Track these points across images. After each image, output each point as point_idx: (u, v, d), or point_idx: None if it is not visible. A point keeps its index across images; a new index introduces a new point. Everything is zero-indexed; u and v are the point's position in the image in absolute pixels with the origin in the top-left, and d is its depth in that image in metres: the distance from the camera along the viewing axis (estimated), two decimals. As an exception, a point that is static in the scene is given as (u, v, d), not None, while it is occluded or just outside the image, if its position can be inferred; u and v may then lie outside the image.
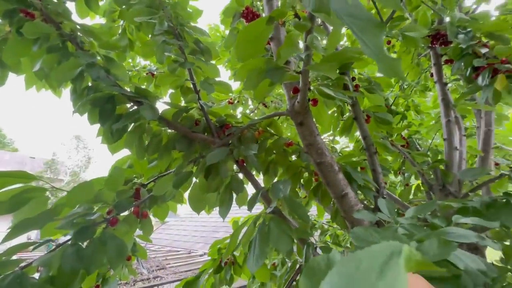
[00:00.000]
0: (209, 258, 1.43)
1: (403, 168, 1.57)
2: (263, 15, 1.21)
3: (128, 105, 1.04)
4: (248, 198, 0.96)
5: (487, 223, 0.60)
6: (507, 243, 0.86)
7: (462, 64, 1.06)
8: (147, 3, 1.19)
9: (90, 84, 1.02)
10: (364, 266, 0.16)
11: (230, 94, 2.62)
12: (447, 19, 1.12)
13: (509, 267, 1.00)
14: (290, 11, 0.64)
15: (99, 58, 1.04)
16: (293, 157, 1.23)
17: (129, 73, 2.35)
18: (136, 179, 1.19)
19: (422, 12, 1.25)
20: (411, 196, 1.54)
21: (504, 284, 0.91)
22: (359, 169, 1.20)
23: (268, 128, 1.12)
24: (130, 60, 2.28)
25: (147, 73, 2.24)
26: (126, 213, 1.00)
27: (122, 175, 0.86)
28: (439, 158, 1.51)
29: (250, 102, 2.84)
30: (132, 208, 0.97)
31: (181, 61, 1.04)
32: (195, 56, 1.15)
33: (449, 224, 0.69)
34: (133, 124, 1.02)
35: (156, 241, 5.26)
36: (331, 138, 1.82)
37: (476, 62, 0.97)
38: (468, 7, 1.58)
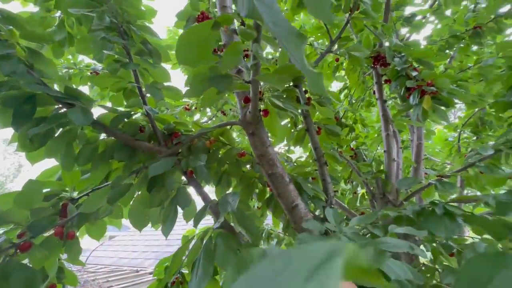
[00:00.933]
0: (156, 278, 1.29)
1: (351, 177, 1.67)
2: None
3: (57, 107, 0.90)
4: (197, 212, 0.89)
5: (416, 232, 0.64)
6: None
7: (398, 84, 1.18)
8: (88, -6, 1.06)
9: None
10: (292, 267, 0.13)
11: (188, 100, 2.52)
12: (386, 43, 1.24)
13: (436, 266, 1.12)
14: (237, 18, 0.63)
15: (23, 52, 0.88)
16: (248, 167, 1.21)
17: (70, 71, 2.09)
18: (65, 193, 1.02)
19: (366, 35, 1.37)
20: (358, 204, 1.64)
21: (432, 284, 0.99)
22: (310, 179, 1.23)
23: (220, 138, 1.08)
24: (70, 57, 2.03)
25: (91, 72, 2.01)
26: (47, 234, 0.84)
27: (39, 190, 0.72)
28: (381, 168, 1.64)
29: (208, 109, 2.77)
30: (55, 228, 0.82)
31: (124, 62, 0.94)
32: (142, 57, 1.06)
33: (386, 233, 0.73)
34: (61, 129, 0.88)
35: (98, 260, 4.66)
36: (286, 148, 1.85)
37: (408, 83, 1.09)
38: (403, 35, 1.80)
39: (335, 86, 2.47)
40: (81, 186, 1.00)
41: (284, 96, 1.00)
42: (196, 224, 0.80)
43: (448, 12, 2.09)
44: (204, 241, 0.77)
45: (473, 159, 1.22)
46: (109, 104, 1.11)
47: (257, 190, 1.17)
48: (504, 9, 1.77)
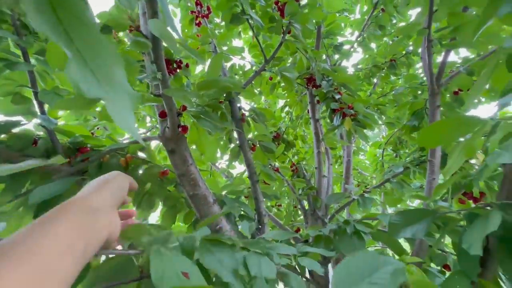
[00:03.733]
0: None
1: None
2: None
3: None
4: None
5: (324, 252, 0.64)
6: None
7: (325, 105, 1.26)
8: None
9: None
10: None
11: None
12: (315, 67, 1.32)
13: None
14: (130, 23, 0.56)
15: None
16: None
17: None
18: None
19: (300, 57, 1.44)
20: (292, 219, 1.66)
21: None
22: (243, 198, 1.19)
23: (140, 154, 0.96)
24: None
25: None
26: None
27: None
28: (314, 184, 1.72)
29: (148, 119, 2.56)
30: None
31: (13, 61, 0.77)
32: (45, 58, 0.89)
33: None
34: None
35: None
36: (226, 163, 1.80)
37: (332, 105, 1.16)
38: (335, 60, 1.98)
39: (281, 103, 2.57)
40: None
41: (210, 111, 0.96)
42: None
43: (373, 45, 2.41)
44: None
45: (388, 175, 1.36)
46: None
47: (183, 212, 1.07)
48: (412, 47, 2.12)
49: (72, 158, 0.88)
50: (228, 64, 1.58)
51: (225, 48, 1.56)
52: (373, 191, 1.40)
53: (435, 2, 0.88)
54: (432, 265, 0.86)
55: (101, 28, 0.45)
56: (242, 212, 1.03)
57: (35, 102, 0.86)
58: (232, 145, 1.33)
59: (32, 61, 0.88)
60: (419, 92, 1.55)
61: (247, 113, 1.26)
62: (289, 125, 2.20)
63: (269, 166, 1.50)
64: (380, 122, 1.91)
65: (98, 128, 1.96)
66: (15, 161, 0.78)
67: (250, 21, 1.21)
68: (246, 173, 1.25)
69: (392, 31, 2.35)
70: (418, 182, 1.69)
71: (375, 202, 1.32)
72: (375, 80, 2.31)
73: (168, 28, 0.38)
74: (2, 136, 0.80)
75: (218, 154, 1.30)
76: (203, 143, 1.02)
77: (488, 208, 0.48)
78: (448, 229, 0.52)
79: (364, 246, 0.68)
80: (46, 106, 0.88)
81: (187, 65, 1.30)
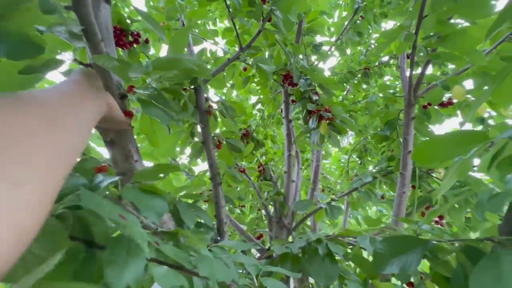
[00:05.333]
0: None
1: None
2: None
3: None
4: None
5: (290, 273, 0.54)
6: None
7: (301, 105, 1.16)
8: None
9: None
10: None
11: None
12: (293, 63, 1.22)
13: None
14: None
15: None
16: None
17: None
18: None
19: (277, 50, 1.33)
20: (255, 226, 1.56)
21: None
22: (201, 202, 1.04)
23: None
24: None
25: None
26: None
27: None
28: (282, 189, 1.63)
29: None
30: None
31: None
32: None
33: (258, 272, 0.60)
34: None
35: None
36: (188, 159, 1.62)
37: (309, 106, 1.07)
38: (312, 61, 1.92)
39: (253, 99, 2.45)
40: None
41: (170, 97, 0.79)
42: None
43: (348, 51, 2.42)
44: None
45: (356, 184, 1.32)
46: None
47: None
48: (385, 58, 2.16)
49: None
50: (198, 48, 1.40)
51: (196, 31, 1.37)
52: (340, 198, 1.36)
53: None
54: (394, 280, 0.81)
55: None
56: (198, 220, 0.88)
57: None
58: (196, 139, 1.16)
59: None
60: (391, 103, 1.55)
61: (215, 105, 1.10)
62: (260, 124, 2.08)
63: (235, 166, 1.36)
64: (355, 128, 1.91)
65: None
66: None
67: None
68: (208, 173, 1.09)
69: (367, 40, 2.39)
70: (380, 192, 1.71)
71: (342, 210, 1.27)
72: (348, 87, 2.31)
73: None
74: None
75: (177, 149, 1.12)
76: (157, 135, 0.84)
77: (488, 242, 0.41)
78: (440, 262, 0.45)
79: (338, 272, 0.59)
80: None
81: (146, 41, 1.09)
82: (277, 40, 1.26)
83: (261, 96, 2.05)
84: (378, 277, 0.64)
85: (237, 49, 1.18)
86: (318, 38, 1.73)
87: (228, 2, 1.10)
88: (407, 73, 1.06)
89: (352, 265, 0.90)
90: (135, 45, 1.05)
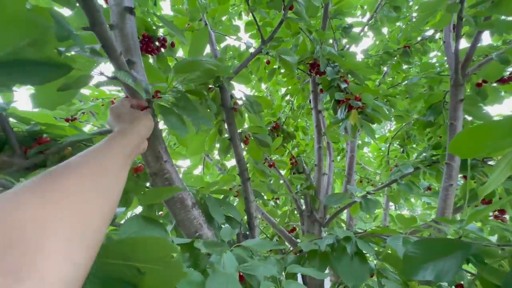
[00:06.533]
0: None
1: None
2: None
3: None
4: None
5: (317, 274, 0.52)
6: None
7: (329, 95, 1.10)
8: None
9: None
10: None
11: (112, 91, 2.13)
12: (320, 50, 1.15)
13: None
14: None
15: None
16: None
17: None
18: None
19: (303, 39, 1.27)
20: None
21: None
22: (232, 198, 1.07)
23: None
24: None
25: None
26: None
27: None
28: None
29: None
30: None
31: None
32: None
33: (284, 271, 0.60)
34: None
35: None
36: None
37: (337, 96, 1.01)
38: (342, 44, 1.79)
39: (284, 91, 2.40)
40: None
41: (197, 99, 0.82)
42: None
43: (385, 30, 2.20)
44: None
45: (395, 176, 1.22)
46: None
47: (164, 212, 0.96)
48: (429, 33, 1.91)
49: (28, 149, 0.75)
50: (222, 45, 1.41)
51: (220, 28, 1.39)
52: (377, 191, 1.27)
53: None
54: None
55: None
56: (228, 215, 0.91)
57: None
58: (224, 136, 1.19)
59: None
60: (436, 84, 1.38)
61: (240, 102, 1.11)
62: (290, 115, 2.04)
63: (265, 160, 1.37)
64: (389, 115, 1.75)
65: (83, 113, 1.82)
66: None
67: (245, -7, 1.04)
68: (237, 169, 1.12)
69: (407, 14, 2.13)
70: (426, 183, 1.55)
71: (380, 204, 1.19)
72: (385, 69, 2.12)
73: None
74: None
75: (206, 147, 1.16)
76: (187, 135, 0.89)
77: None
78: (487, 269, 0.39)
79: (368, 273, 0.55)
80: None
81: (172, 44, 1.14)
82: (301, 28, 1.20)
83: (289, 87, 2.00)
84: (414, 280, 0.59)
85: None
86: (348, 20, 1.60)
87: (247, -4, 1.08)
88: (453, 49, 0.92)
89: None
90: (162, 50, 1.10)
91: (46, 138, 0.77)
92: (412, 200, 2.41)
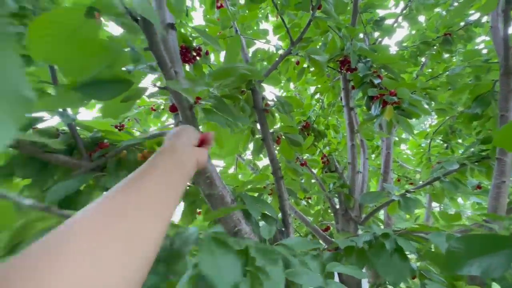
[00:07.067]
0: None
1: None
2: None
3: None
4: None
5: (356, 272, 0.53)
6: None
7: (361, 91, 1.08)
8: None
9: None
10: None
11: (151, 99, 2.32)
12: (350, 46, 1.14)
13: None
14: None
15: None
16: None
17: None
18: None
19: (332, 37, 1.26)
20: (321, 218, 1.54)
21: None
22: (266, 196, 1.11)
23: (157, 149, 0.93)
24: None
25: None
26: None
27: None
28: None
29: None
30: None
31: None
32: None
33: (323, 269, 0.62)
34: None
35: None
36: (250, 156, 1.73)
37: (370, 92, 0.99)
38: (374, 38, 1.73)
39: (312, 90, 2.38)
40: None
41: (231, 103, 0.87)
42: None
43: (421, 18, 2.06)
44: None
45: (437, 173, 1.15)
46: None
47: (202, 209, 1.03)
48: (473, 17, 1.75)
49: (92, 153, 0.87)
50: (252, 49, 1.47)
51: (249, 32, 1.44)
52: (417, 189, 1.21)
53: None
54: (495, 285, 0.69)
55: (87, 10, 0.38)
56: (264, 212, 0.95)
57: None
58: (257, 136, 1.24)
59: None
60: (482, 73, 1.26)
61: (271, 103, 1.15)
62: (320, 114, 2.02)
63: (296, 159, 1.38)
64: (428, 109, 1.64)
65: (128, 120, 2.02)
66: (39, 156, 0.80)
67: (273, -2, 1.07)
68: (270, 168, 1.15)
69: (447, -1, 1.97)
70: (475, 180, 1.43)
71: (421, 203, 1.13)
72: (423, 60, 1.99)
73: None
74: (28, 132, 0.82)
75: (240, 147, 1.22)
76: (222, 136, 0.95)
77: None
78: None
79: (409, 271, 0.55)
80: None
81: (206, 53, 1.22)
82: (329, 26, 1.20)
83: (319, 86, 1.98)
84: (463, 279, 0.57)
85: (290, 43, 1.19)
86: (380, 13, 1.54)
87: (275, 1, 1.12)
88: (502, 34, 0.84)
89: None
90: (198, 58, 1.19)
91: (106, 143, 0.89)
92: (461, 201, 2.21)
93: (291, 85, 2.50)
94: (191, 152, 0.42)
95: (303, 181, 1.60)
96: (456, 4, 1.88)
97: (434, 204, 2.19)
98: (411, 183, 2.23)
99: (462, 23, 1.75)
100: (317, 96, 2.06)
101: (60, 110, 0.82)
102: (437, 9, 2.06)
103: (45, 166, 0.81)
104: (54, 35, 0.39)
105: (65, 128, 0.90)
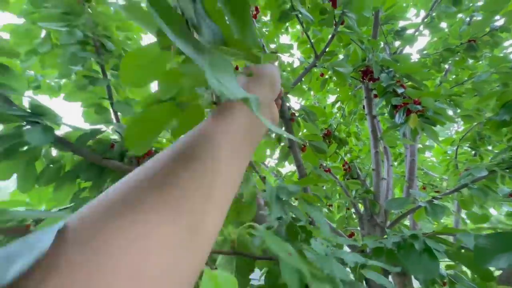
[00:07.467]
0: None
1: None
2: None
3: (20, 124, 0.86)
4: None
5: (390, 268, 0.58)
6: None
7: (384, 100, 1.13)
8: (66, 8, 1.04)
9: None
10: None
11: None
12: (373, 58, 1.19)
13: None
14: None
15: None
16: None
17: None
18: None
19: (354, 49, 1.33)
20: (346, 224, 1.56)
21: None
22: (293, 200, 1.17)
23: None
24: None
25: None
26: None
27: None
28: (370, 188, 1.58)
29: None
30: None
31: (94, 77, 0.91)
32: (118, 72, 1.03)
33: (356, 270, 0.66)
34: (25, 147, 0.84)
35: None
36: (275, 162, 1.79)
37: (394, 101, 1.03)
38: (395, 47, 1.76)
39: (331, 98, 2.43)
40: (50, 206, 0.95)
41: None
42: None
43: (444, 25, 2.06)
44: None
45: (465, 180, 1.15)
46: (81, 120, 1.07)
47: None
48: (499, 22, 1.73)
49: (140, 160, 0.99)
50: (276, 62, 1.56)
51: (273, 46, 1.54)
52: (444, 197, 1.21)
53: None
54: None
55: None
56: (293, 216, 1.01)
57: (111, 111, 1.01)
58: (282, 144, 1.31)
59: (108, 75, 1.03)
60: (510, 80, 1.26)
61: (297, 113, 1.22)
62: (341, 122, 2.06)
63: (320, 166, 1.43)
64: (454, 116, 1.63)
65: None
66: (99, 162, 0.92)
67: (299, 16, 1.16)
68: (296, 174, 1.22)
69: (471, 5, 1.96)
70: (507, 188, 1.39)
71: (448, 210, 1.13)
72: (446, 67, 1.98)
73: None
74: (89, 141, 0.95)
75: (267, 153, 1.30)
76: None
77: None
78: None
79: (438, 267, 0.58)
80: (119, 114, 1.01)
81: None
82: (352, 39, 1.27)
83: (340, 95, 2.03)
84: (494, 279, 0.60)
85: (312, 56, 1.26)
86: (400, 23, 1.58)
87: (300, 17, 1.21)
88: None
89: (469, 272, 0.82)
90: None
91: (152, 150, 1.01)
92: (493, 211, 2.11)
93: (312, 94, 2.56)
94: (268, 113, 0.32)
95: (324, 188, 1.64)
96: (477, 13, 1.87)
97: (462, 213, 2.11)
98: (437, 191, 2.17)
99: (487, 29, 1.74)
100: (338, 104, 2.10)
101: (117, 122, 0.95)
102: (460, 15, 2.05)
103: (102, 170, 0.94)
104: (139, 65, 0.49)
105: (116, 137, 1.03)
